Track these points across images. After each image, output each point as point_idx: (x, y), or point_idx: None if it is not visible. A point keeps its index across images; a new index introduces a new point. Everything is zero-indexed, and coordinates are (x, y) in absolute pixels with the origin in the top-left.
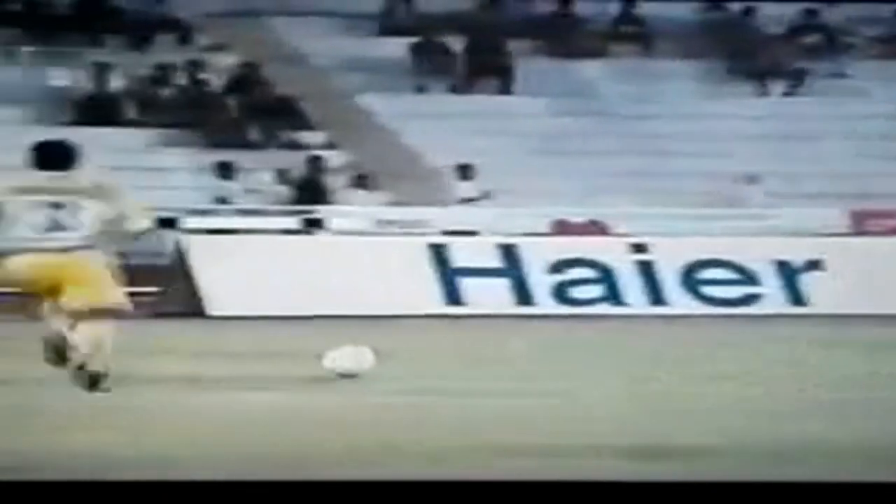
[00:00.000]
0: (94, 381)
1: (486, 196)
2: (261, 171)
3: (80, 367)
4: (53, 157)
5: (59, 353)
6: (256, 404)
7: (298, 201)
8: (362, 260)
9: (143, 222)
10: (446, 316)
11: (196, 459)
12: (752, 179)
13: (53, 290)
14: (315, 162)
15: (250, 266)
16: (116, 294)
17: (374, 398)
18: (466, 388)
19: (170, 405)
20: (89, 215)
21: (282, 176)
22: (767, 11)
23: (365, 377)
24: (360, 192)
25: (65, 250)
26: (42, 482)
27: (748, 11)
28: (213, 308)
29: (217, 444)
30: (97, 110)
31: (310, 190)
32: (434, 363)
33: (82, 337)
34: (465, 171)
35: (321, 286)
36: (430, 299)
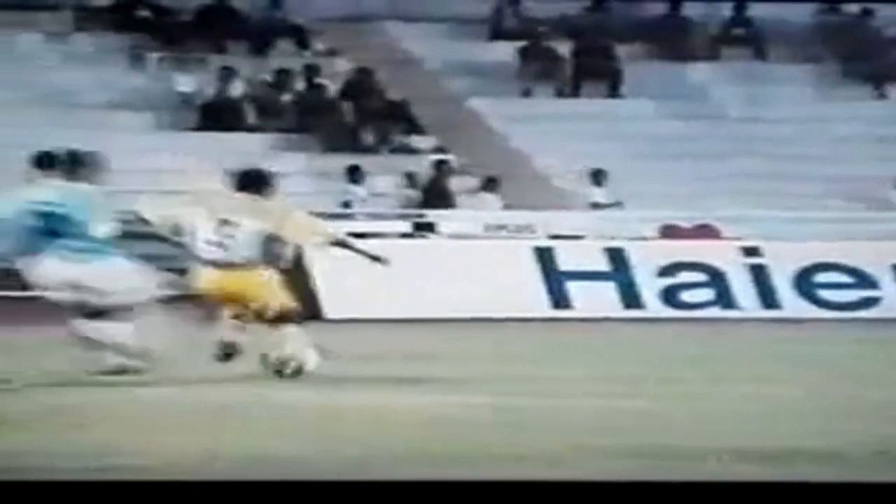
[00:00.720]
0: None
1: (617, 205)
2: (376, 174)
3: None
4: (250, 181)
5: (227, 353)
6: (372, 405)
7: (425, 205)
8: (472, 263)
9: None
10: (554, 319)
11: (318, 458)
12: None
13: (231, 299)
14: (440, 166)
15: (366, 269)
16: (286, 299)
17: (484, 400)
18: (575, 390)
19: (288, 406)
20: (249, 233)
21: (410, 180)
22: (886, 13)
23: (473, 380)
24: (489, 196)
25: (230, 265)
26: (90, 482)
27: (866, 13)
28: (329, 311)
29: (335, 444)
30: (219, 115)
31: (435, 194)
32: (542, 366)
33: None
34: (597, 177)
35: (433, 289)
36: (538, 302)
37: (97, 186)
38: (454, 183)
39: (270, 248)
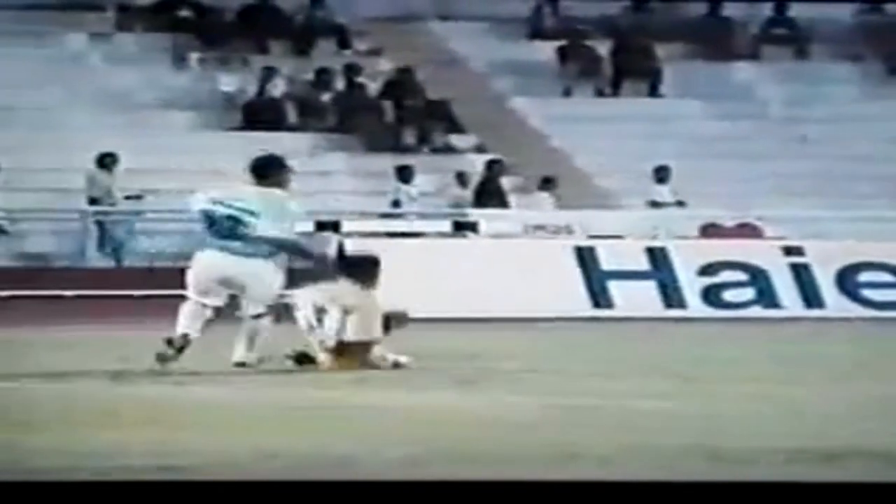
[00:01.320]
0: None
1: (679, 204)
2: (417, 174)
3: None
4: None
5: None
6: (415, 404)
7: (476, 205)
8: (513, 263)
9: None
10: (595, 319)
11: (366, 458)
12: None
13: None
14: (493, 166)
15: (406, 268)
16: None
17: (525, 400)
18: (616, 390)
19: (333, 405)
20: (333, 320)
21: (460, 179)
22: None
23: (515, 380)
24: (544, 195)
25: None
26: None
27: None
28: None
29: (380, 443)
30: (261, 115)
31: (487, 193)
32: (583, 365)
33: None
34: (660, 174)
35: (472, 289)
36: (579, 302)
37: (288, 195)
38: (504, 182)
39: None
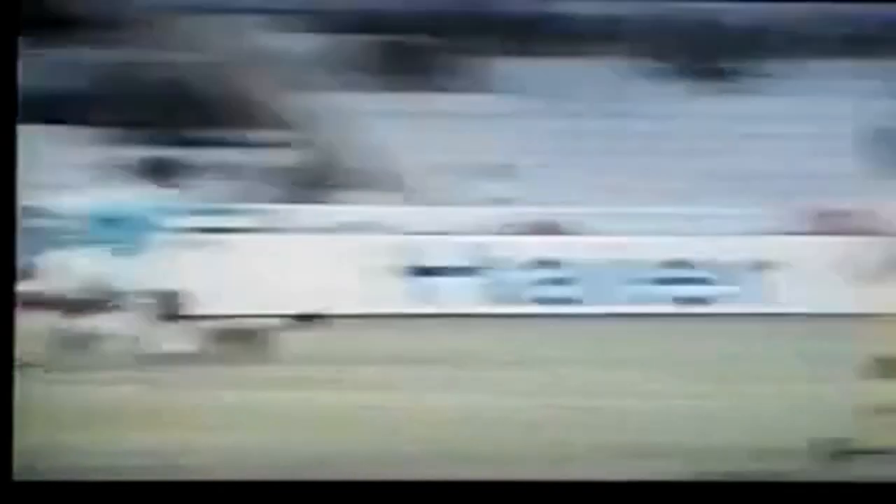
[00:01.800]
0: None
1: (508, 202)
2: (226, 169)
3: None
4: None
5: None
6: (232, 401)
7: (298, 201)
8: (331, 259)
9: None
10: (416, 315)
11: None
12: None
13: None
14: (314, 161)
15: (212, 265)
16: None
17: (349, 397)
18: (435, 385)
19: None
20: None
21: (273, 175)
22: (736, 11)
23: (344, 377)
24: (368, 193)
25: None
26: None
27: (715, 12)
28: (196, 308)
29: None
30: (49, 108)
31: (308, 189)
32: (403, 363)
33: None
34: (490, 171)
35: (285, 286)
36: (398, 298)
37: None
38: (320, 177)
39: None
